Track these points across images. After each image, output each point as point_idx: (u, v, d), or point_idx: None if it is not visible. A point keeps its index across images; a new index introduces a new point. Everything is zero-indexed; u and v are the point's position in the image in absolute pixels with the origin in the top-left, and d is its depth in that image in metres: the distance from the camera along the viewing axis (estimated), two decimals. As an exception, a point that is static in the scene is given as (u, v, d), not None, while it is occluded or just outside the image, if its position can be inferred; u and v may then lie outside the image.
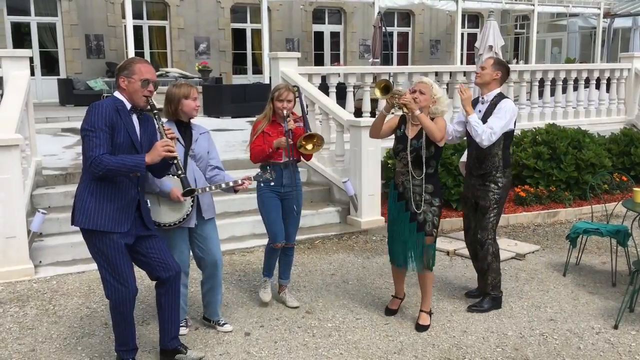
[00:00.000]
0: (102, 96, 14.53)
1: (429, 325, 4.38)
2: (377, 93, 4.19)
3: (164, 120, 3.74)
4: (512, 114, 4.52)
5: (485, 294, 4.80)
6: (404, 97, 4.13)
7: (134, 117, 3.52)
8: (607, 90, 10.79)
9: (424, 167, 4.24)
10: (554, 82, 10.22)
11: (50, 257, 5.73)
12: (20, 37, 16.57)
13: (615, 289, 5.20)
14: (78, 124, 11.54)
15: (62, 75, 16.80)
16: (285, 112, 4.44)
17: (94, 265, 5.28)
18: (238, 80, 18.70)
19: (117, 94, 3.51)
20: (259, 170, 4.34)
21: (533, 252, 6.25)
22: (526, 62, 20.47)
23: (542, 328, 4.44)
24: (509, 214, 7.49)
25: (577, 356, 4.02)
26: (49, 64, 17.09)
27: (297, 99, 4.62)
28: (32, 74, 16.27)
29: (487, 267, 4.77)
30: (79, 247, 5.66)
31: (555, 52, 23.54)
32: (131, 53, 12.98)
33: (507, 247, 6.32)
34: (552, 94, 10.34)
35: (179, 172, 3.51)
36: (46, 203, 6.30)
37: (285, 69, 7.85)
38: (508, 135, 4.63)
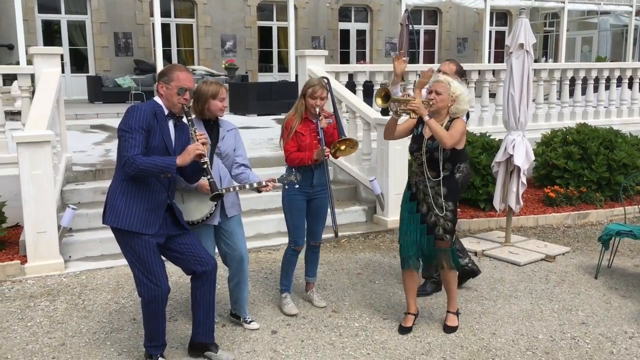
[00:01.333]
0: (129, 94, 14.71)
1: (457, 326, 4.32)
2: (379, 102, 3.97)
3: (193, 116, 3.75)
4: None
5: (429, 278, 4.98)
6: (411, 103, 3.92)
7: (170, 123, 3.57)
8: (640, 89, 10.55)
9: (438, 169, 4.07)
10: (585, 81, 10.04)
11: (79, 252, 5.80)
12: (51, 34, 16.83)
13: (649, 292, 5.09)
14: (106, 121, 11.68)
15: (91, 72, 17.02)
16: (317, 109, 4.37)
17: (122, 261, 5.37)
18: (264, 78, 18.75)
19: (156, 98, 3.57)
20: (284, 172, 4.19)
21: (563, 254, 6.14)
22: (555, 60, 20.16)
23: (574, 332, 4.35)
24: (538, 214, 7.38)
25: (610, 361, 3.94)
26: (79, 62, 17.33)
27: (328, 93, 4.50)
28: (62, 71, 16.47)
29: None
30: (108, 242, 5.74)
31: (586, 51, 23.14)
32: (159, 51, 13.07)
33: (536, 248, 6.22)
34: (583, 92, 10.15)
35: (208, 176, 3.55)
36: (76, 199, 6.38)
37: (313, 67, 7.83)
38: None
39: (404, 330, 4.32)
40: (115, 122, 10.89)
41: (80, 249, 5.81)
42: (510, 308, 4.75)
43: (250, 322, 4.34)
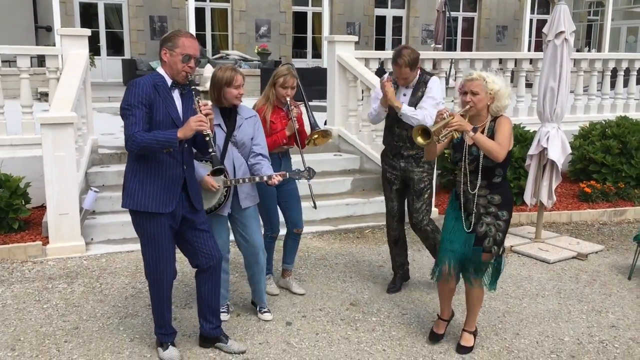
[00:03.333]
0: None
1: (472, 347, 3.88)
2: (420, 141, 3.44)
3: (210, 103, 3.63)
4: (442, 90, 4.44)
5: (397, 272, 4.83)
6: (451, 123, 3.42)
7: (176, 93, 3.41)
8: (687, 81, 10.07)
9: (488, 176, 3.61)
10: (627, 72, 9.61)
11: (101, 235, 5.80)
12: (88, 17, 16.99)
13: (686, 296, 4.82)
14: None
15: (127, 55, 17.15)
16: (288, 99, 4.35)
17: (141, 245, 5.34)
18: (297, 63, 18.58)
19: (159, 69, 3.42)
20: (297, 167, 4.12)
21: (596, 252, 5.88)
22: (599, 50, 19.48)
23: (602, 335, 4.14)
24: (572, 210, 7.10)
25: (639, 368, 3.73)
26: (115, 45, 17.47)
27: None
28: (98, 54, 16.74)
29: (435, 243, 4.58)
30: (129, 226, 5.58)
31: (631, 41, 22.32)
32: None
33: (568, 245, 5.98)
34: (625, 84, 9.73)
35: (210, 149, 3.35)
36: (101, 181, 6.39)
37: (342, 52, 7.66)
38: None
39: (435, 337, 3.96)
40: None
41: (103, 232, 5.81)
42: (536, 307, 4.56)
43: (264, 312, 4.25)
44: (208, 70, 13.28)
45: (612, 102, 9.48)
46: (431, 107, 4.32)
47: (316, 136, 4.48)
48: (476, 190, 3.63)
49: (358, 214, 6.74)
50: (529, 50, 19.24)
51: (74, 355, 3.72)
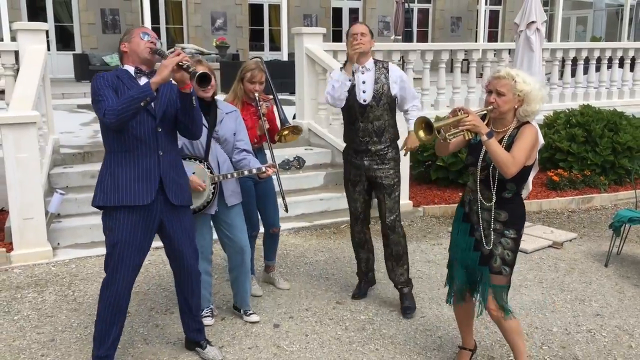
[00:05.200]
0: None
1: None
2: (422, 136, 3.01)
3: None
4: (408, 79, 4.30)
5: (405, 290, 4.31)
6: (464, 120, 2.96)
7: (143, 80, 3.19)
8: (642, 70, 10.35)
9: (497, 190, 3.15)
10: (586, 61, 9.81)
11: (69, 239, 5.53)
12: (35, 11, 16.29)
13: (663, 282, 4.92)
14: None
15: (78, 50, 16.55)
16: (257, 95, 4.21)
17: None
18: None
19: (122, 65, 3.30)
20: (286, 157, 4.00)
21: (570, 240, 5.95)
22: (549, 40, 19.89)
23: (589, 324, 4.17)
24: (542, 199, 7.19)
25: (629, 356, 3.75)
26: (65, 39, 16.83)
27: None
28: (48, 48, 16.03)
29: (403, 252, 4.28)
30: (98, 229, 5.38)
31: (580, 31, 22.92)
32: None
33: (542, 234, 6.03)
34: (585, 73, 9.93)
35: (191, 69, 3.03)
36: (64, 183, 6.08)
37: (310, 45, 7.53)
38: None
39: None
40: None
41: (70, 236, 5.54)
42: (521, 299, 4.56)
43: (250, 314, 4.11)
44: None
45: (572, 91, 9.66)
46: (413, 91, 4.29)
47: (286, 132, 4.35)
48: (484, 202, 3.18)
49: (332, 209, 6.64)
50: (483, 40, 19.49)
51: (52, 369, 3.51)
